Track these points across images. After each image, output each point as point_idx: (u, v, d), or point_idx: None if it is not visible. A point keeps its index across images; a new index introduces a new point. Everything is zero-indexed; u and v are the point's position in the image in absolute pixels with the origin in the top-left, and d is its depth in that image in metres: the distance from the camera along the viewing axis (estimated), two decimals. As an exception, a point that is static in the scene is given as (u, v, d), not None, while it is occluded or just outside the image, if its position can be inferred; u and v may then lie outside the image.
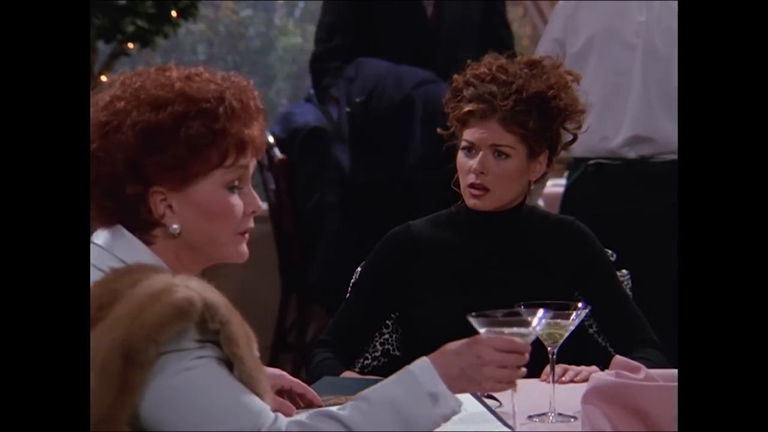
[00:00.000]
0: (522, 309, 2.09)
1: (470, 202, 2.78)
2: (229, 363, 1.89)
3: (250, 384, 1.90)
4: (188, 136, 1.97)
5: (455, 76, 2.83)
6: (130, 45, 5.21)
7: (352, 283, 2.89)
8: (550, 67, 2.79)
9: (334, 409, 1.92)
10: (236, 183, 2.02)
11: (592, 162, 4.22)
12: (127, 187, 1.98)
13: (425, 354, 2.66)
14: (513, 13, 7.17)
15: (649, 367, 2.25)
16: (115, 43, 5.21)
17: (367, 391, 1.93)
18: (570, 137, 2.84)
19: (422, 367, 1.94)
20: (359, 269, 2.90)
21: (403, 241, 2.82)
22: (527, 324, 2.02)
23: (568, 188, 4.34)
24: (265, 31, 6.81)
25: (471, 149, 2.76)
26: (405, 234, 2.84)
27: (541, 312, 2.10)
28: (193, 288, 1.88)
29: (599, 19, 4.21)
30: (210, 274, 2.08)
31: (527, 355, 1.97)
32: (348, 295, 2.87)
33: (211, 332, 1.88)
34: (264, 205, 5.85)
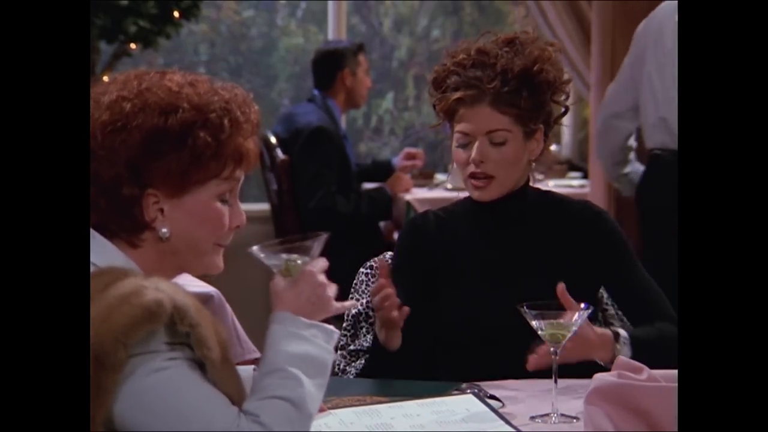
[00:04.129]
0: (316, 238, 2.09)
1: (474, 194, 2.72)
2: (202, 364, 1.90)
3: (222, 385, 1.90)
4: (194, 145, 1.99)
5: (435, 66, 2.76)
6: (132, 45, 5.21)
7: (354, 285, 2.88)
8: (529, 41, 2.70)
9: (268, 390, 1.92)
10: (227, 196, 2.05)
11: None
12: (124, 188, 1.99)
13: (441, 350, 2.65)
14: (515, 13, 7.18)
15: (656, 337, 2.24)
16: (117, 44, 5.22)
17: (272, 363, 1.96)
18: (562, 110, 2.78)
19: (287, 319, 1.98)
20: (361, 270, 2.89)
21: (422, 228, 2.76)
22: (306, 249, 2.07)
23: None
24: (267, 31, 6.82)
25: (465, 139, 2.69)
26: (423, 222, 2.79)
27: (316, 237, 2.09)
28: (162, 290, 1.88)
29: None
30: (213, 274, 2.09)
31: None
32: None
33: (181, 334, 1.88)
34: (266, 206, 5.86)
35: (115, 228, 2.01)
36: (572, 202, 2.82)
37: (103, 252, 1.99)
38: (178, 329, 1.87)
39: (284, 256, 2.05)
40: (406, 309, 2.57)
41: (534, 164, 2.76)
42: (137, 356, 1.85)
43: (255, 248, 2.06)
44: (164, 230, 2.01)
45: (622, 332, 2.57)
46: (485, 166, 2.68)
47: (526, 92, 2.66)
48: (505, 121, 2.66)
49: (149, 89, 2.00)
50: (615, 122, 4.78)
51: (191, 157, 1.99)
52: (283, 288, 2.02)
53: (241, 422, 1.87)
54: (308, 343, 1.97)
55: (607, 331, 2.55)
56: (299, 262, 2.05)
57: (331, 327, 2.02)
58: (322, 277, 2.04)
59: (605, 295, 2.81)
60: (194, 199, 2.02)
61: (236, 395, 1.92)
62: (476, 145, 2.67)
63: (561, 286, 2.40)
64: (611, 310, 2.82)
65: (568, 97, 2.76)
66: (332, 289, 2.05)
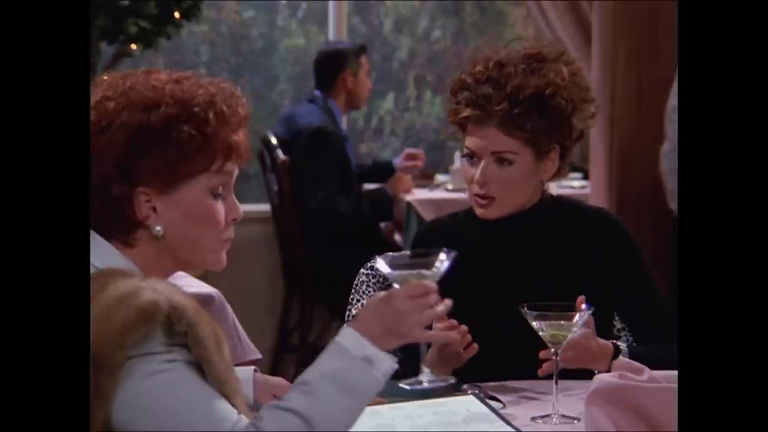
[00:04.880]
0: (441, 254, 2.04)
1: (478, 212, 2.67)
2: (199, 365, 1.88)
3: (219, 386, 1.89)
4: (179, 139, 1.98)
5: (453, 77, 2.70)
6: (133, 46, 5.22)
7: (354, 285, 2.88)
8: (551, 58, 2.63)
9: (286, 400, 1.89)
10: (220, 190, 2.03)
11: None
12: (114, 188, 1.98)
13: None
14: (516, 14, 7.18)
15: (654, 358, 2.23)
16: (118, 44, 5.22)
17: (304, 375, 1.92)
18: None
19: (347, 336, 1.94)
20: (362, 270, 2.88)
21: (431, 239, 2.72)
22: (430, 265, 2.02)
23: None
24: (268, 32, 6.81)
25: (473, 157, 2.64)
26: (431, 232, 2.77)
27: (443, 254, 2.05)
28: (159, 291, 1.87)
29: None
30: (213, 275, 2.09)
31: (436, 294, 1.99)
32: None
33: (179, 335, 1.87)
34: (267, 207, 5.86)
35: (109, 228, 2.01)
36: (587, 210, 2.78)
37: (101, 253, 1.99)
38: (175, 329, 1.86)
39: (401, 272, 2.01)
40: (475, 346, 2.54)
41: (547, 183, 2.70)
42: (135, 358, 1.84)
43: (378, 259, 2.04)
44: (158, 228, 2.00)
45: (623, 347, 2.56)
46: (488, 188, 2.63)
47: (536, 115, 2.59)
48: (513, 143, 2.61)
49: (133, 87, 2.00)
50: (672, 114, 4.88)
51: (177, 151, 1.98)
52: (368, 304, 1.98)
53: (239, 425, 1.86)
54: (351, 365, 1.91)
55: (608, 344, 2.53)
56: (413, 279, 1.99)
57: (389, 357, 1.93)
58: (414, 303, 1.96)
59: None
60: (186, 195, 2.00)
61: (234, 396, 1.91)
62: (481, 165, 2.62)
63: (581, 299, 2.38)
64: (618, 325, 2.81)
65: (593, 116, 2.67)
66: (423, 316, 1.96)
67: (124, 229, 2.01)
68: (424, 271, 2.03)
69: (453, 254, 2.05)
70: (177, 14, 5.21)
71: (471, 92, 2.62)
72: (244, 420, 1.88)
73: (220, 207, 2.04)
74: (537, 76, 2.60)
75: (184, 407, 1.85)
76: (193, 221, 2.01)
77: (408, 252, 2.05)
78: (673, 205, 5.00)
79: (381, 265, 2.05)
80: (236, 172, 2.06)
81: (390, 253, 2.09)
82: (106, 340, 1.82)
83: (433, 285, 1.99)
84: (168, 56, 6.29)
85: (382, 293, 1.98)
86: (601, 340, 2.52)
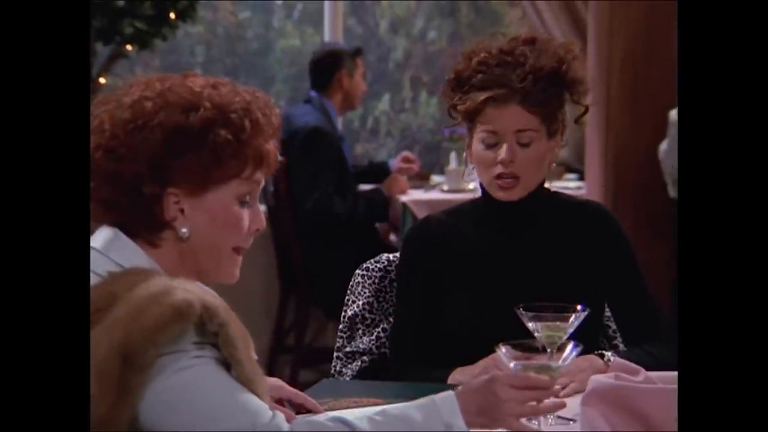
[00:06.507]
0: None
1: (498, 195, 2.68)
2: (227, 365, 1.90)
3: (248, 386, 1.90)
4: (214, 143, 1.99)
5: (455, 67, 2.72)
6: (129, 47, 5.22)
7: (350, 286, 2.87)
8: (547, 41, 2.70)
9: (349, 416, 1.92)
10: (247, 198, 2.05)
11: None
12: (146, 187, 1.99)
13: (441, 351, 2.65)
14: (511, 14, 7.18)
15: (650, 362, 2.23)
16: (114, 45, 5.22)
17: (388, 407, 1.94)
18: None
19: (445, 397, 1.94)
20: (357, 271, 2.88)
21: (424, 235, 2.75)
22: (556, 357, 2.05)
23: None
24: (264, 33, 6.82)
25: (493, 139, 2.66)
26: (423, 228, 2.77)
27: (570, 346, 2.12)
28: (191, 290, 1.89)
29: None
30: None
31: (556, 388, 2.01)
32: (395, 306, 2.79)
33: (209, 334, 1.88)
34: (263, 207, 5.86)
35: (136, 227, 2.02)
36: (584, 203, 2.80)
37: (126, 252, 2.00)
38: (207, 329, 1.88)
39: (526, 362, 2.03)
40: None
41: (553, 165, 2.74)
42: (165, 356, 1.85)
43: (502, 350, 2.06)
44: (184, 230, 2.01)
45: (607, 354, 2.56)
46: (513, 167, 2.65)
47: (553, 91, 2.64)
48: (534, 120, 2.64)
49: (171, 89, 2.02)
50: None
51: (211, 155, 1.99)
52: (478, 379, 1.98)
53: (277, 419, 1.87)
54: (431, 424, 1.91)
55: (590, 356, 2.54)
56: (532, 370, 2.02)
57: None
58: (516, 394, 1.94)
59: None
60: (214, 199, 2.02)
61: (262, 397, 1.92)
62: (506, 145, 2.64)
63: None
64: (614, 326, 2.81)
65: (587, 92, 2.73)
66: (521, 409, 1.95)
67: (151, 229, 2.02)
68: (553, 364, 2.05)
69: (580, 348, 2.09)
70: (173, 15, 5.21)
71: (487, 75, 2.65)
72: (281, 415, 1.89)
73: (245, 215, 2.05)
74: (547, 55, 2.65)
75: (211, 401, 1.86)
76: (218, 226, 2.03)
77: (535, 342, 2.07)
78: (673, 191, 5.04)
79: (503, 356, 2.06)
80: (263, 182, 2.07)
81: (519, 342, 2.09)
82: (138, 338, 1.83)
83: (547, 380, 1.98)
84: (164, 57, 6.29)
85: (493, 373, 1.99)
86: (586, 356, 2.52)
